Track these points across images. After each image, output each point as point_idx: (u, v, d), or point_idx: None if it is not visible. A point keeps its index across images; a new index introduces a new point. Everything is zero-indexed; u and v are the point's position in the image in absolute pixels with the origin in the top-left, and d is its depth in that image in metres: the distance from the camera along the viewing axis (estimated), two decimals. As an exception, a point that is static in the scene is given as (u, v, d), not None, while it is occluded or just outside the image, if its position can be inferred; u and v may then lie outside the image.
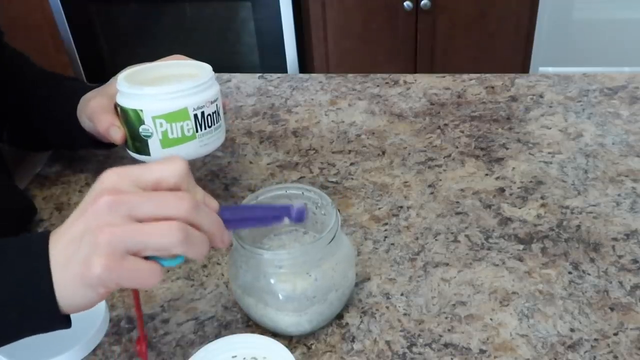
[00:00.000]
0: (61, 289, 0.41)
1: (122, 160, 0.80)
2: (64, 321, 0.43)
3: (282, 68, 1.93)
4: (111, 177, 0.41)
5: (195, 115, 0.60)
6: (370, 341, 0.54)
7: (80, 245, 0.40)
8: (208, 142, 0.63)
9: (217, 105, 0.63)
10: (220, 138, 0.65)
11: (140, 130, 0.60)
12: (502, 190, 0.70)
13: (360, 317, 0.56)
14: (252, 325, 0.56)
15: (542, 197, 0.69)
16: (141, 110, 0.59)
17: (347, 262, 0.55)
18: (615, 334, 0.53)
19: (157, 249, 0.40)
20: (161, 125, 0.60)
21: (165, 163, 0.43)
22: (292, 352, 0.51)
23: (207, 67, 0.64)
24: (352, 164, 0.76)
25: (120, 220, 0.40)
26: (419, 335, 0.54)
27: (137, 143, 0.62)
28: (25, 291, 0.41)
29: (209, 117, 0.62)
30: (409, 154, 0.77)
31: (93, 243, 0.39)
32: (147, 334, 0.56)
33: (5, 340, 0.45)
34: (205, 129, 0.62)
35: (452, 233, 0.65)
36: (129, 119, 0.61)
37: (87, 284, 0.40)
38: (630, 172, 0.72)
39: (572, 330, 0.54)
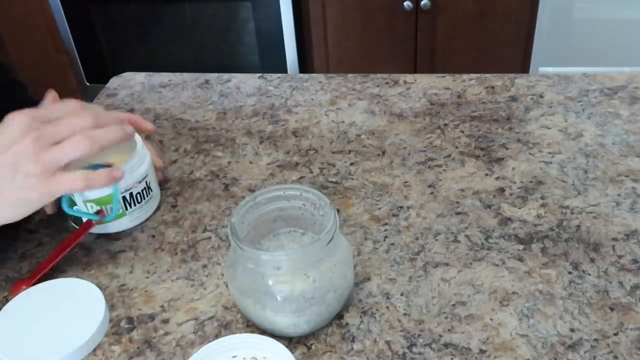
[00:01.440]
0: None
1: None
2: None
3: (282, 68, 1.93)
4: (23, 119, 0.54)
5: (124, 197, 0.65)
6: (370, 341, 0.54)
7: (13, 174, 0.53)
8: (139, 215, 0.68)
9: (146, 181, 0.67)
10: (152, 207, 0.70)
11: (74, 209, 0.64)
12: (502, 190, 0.71)
13: (360, 317, 0.56)
14: (252, 325, 0.56)
15: (542, 197, 0.69)
16: (72, 195, 0.64)
17: (346, 263, 0.55)
18: (615, 334, 0.53)
19: (77, 158, 0.55)
20: (92, 207, 0.64)
21: (63, 105, 0.59)
22: (292, 352, 0.51)
23: (137, 143, 0.67)
24: (352, 164, 0.76)
25: (43, 151, 0.54)
26: (419, 335, 0.54)
27: (72, 217, 0.67)
28: None
29: (138, 194, 0.67)
30: (409, 154, 0.77)
31: (25, 174, 0.53)
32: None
33: None
34: (134, 205, 0.67)
35: (452, 233, 0.65)
36: (63, 198, 0.65)
37: (22, 203, 0.55)
38: (630, 172, 0.72)
39: (572, 330, 0.54)
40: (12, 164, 0.53)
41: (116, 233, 0.67)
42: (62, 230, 0.69)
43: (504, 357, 0.52)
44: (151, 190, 0.69)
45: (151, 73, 1.00)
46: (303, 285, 0.52)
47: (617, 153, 0.75)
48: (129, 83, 0.98)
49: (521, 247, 0.63)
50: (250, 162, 0.78)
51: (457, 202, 0.69)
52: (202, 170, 0.77)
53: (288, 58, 1.90)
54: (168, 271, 0.63)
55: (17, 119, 0.54)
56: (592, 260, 0.61)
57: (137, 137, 0.68)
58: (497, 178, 0.72)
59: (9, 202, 0.54)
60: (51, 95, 0.65)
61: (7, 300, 0.59)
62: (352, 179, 0.74)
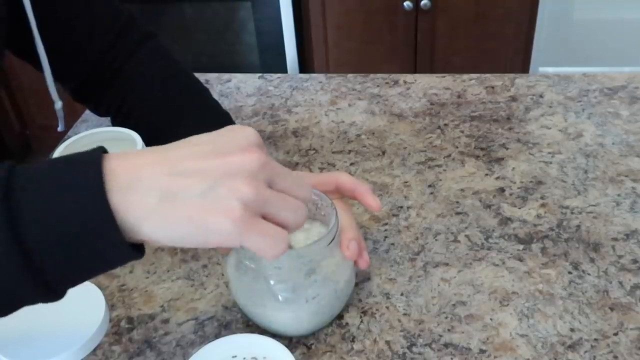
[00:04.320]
0: (149, 218, 0.39)
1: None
2: (133, 252, 0.40)
3: (282, 68, 1.92)
4: (253, 134, 0.42)
5: None
6: (370, 341, 0.54)
7: (212, 186, 0.39)
8: None
9: None
10: None
11: None
12: (502, 190, 0.71)
13: (360, 317, 0.56)
14: (252, 325, 0.56)
15: (542, 197, 0.69)
16: None
17: (347, 263, 0.55)
18: (615, 334, 0.53)
19: (282, 221, 0.41)
20: None
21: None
22: (292, 352, 0.51)
23: (138, 144, 0.66)
24: (352, 164, 0.76)
25: (262, 183, 0.40)
26: (419, 335, 0.54)
27: None
28: (88, 221, 0.38)
29: None
30: (409, 154, 0.77)
31: (232, 191, 0.39)
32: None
33: (78, 278, 0.42)
34: None
35: (452, 233, 0.65)
36: None
37: (200, 227, 0.39)
38: (630, 172, 0.72)
39: (572, 330, 0.54)
40: (220, 175, 0.39)
41: None
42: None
43: (504, 357, 0.52)
44: None
45: (151, 73, 1.00)
46: (304, 285, 0.52)
47: (617, 153, 0.75)
48: (129, 83, 0.98)
49: (521, 247, 0.63)
50: (250, 162, 0.78)
51: (457, 202, 0.69)
52: (202, 170, 0.77)
53: (288, 58, 1.90)
54: (168, 271, 0.63)
55: (246, 130, 0.43)
56: (592, 260, 0.61)
57: (138, 138, 0.68)
58: (497, 178, 0.72)
59: (177, 219, 0.39)
60: None
61: (7, 300, 0.59)
62: (352, 179, 0.74)
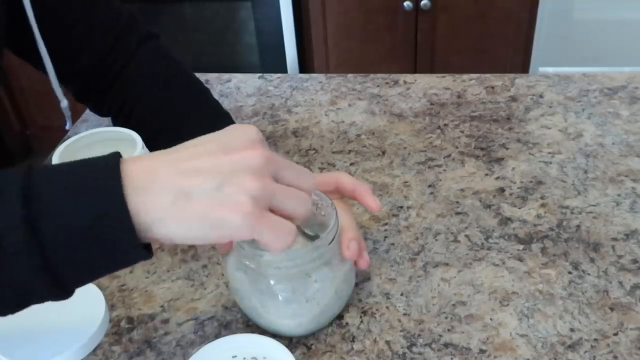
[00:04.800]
0: (165, 218, 0.40)
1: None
2: (145, 252, 0.41)
3: (282, 68, 1.92)
4: (256, 132, 0.44)
5: None
6: (370, 341, 0.54)
7: (222, 183, 0.40)
8: None
9: None
10: None
11: None
12: (502, 190, 0.71)
13: (360, 317, 0.56)
14: (252, 325, 0.56)
15: (542, 197, 0.69)
16: None
17: (347, 264, 0.55)
18: (615, 334, 0.53)
19: (289, 212, 0.43)
20: None
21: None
22: (292, 352, 0.51)
23: (138, 144, 0.65)
24: (352, 164, 0.76)
25: (268, 177, 0.42)
26: (419, 335, 0.54)
27: None
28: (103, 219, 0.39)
29: None
30: (409, 154, 0.77)
31: (240, 187, 0.40)
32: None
33: (88, 277, 0.43)
34: None
35: (452, 233, 0.65)
36: None
37: (213, 223, 0.40)
38: (630, 172, 0.72)
39: (572, 330, 0.54)
40: (228, 172, 0.41)
41: None
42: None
43: (504, 357, 0.52)
44: None
45: (151, 73, 1.00)
46: (304, 285, 0.52)
47: (617, 153, 0.75)
48: (129, 83, 0.98)
49: (521, 247, 0.63)
50: (250, 162, 0.78)
51: (457, 202, 0.69)
52: (202, 170, 0.77)
53: (288, 58, 1.90)
54: (168, 271, 0.63)
55: (249, 128, 0.44)
56: (592, 260, 0.61)
57: (138, 138, 0.68)
58: (497, 178, 0.72)
59: (191, 216, 0.40)
60: None
61: (7, 300, 0.59)
62: (352, 179, 0.74)
